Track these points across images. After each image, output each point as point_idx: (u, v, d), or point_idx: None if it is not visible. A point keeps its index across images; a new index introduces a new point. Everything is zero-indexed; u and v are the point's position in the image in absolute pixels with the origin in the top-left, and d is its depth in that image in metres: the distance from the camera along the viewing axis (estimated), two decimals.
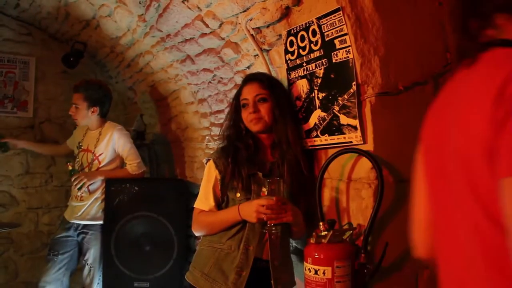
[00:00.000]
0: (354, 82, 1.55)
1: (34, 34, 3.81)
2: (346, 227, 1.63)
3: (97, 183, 2.96)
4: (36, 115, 3.83)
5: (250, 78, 1.86)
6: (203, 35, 2.31)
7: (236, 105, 1.87)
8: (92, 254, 2.98)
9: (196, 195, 2.87)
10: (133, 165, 2.98)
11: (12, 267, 3.57)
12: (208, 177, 1.85)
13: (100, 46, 3.47)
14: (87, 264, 2.99)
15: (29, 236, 3.67)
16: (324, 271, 1.48)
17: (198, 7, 2.12)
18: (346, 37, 1.57)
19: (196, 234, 1.91)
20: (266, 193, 1.63)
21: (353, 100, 1.56)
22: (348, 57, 1.58)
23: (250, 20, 1.93)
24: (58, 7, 3.14)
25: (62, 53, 3.68)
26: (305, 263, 1.54)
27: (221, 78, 2.55)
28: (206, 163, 1.92)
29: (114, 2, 2.59)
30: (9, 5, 3.51)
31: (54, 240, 3.02)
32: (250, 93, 1.80)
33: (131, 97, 4.03)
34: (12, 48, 3.73)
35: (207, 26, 2.21)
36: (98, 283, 3.01)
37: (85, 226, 2.99)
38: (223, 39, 2.24)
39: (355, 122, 1.56)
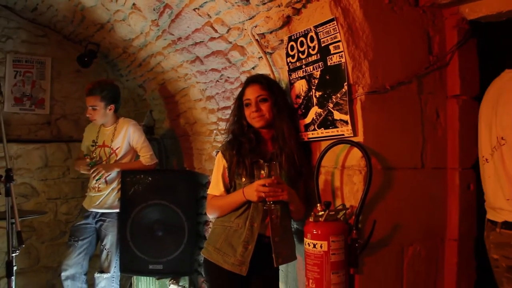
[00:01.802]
0: (346, 83, 1.79)
1: (50, 35, 4.03)
2: (340, 207, 1.87)
3: (114, 174, 3.21)
4: (52, 112, 4.07)
5: (252, 81, 2.11)
6: (212, 39, 2.52)
7: (239, 104, 2.13)
8: (110, 240, 3.22)
9: (204, 185, 3.16)
10: (146, 157, 3.23)
11: (34, 253, 3.82)
12: (217, 167, 2.13)
13: (112, 47, 3.68)
14: (105, 249, 3.23)
15: (49, 224, 3.92)
16: (321, 245, 1.72)
17: (208, 15, 2.33)
18: (340, 43, 1.80)
19: (210, 216, 2.18)
20: (264, 175, 1.89)
21: (345, 98, 1.80)
22: (341, 61, 1.81)
23: (255, 26, 2.15)
24: (74, 11, 3.34)
25: (75, 53, 3.91)
26: (305, 238, 1.79)
27: (228, 77, 2.77)
28: (215, 155, 2.21)
29: (129, 8, 2.78)
30: (27, 9, 3.74)
31: (75, 227, 3.27)
32: (252, 93, 2.06)
33: (141, 94, 4.26)
34: (29, 49, 3.96)
35: (216, 31, 2.42)
36: (115, 266, 3.25)
37: (103, 214, 3.24)
38: (230, 42, 2.45)
39: (346, 117, 1.80)
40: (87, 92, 3.21)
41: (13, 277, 2.15)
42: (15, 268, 2.19)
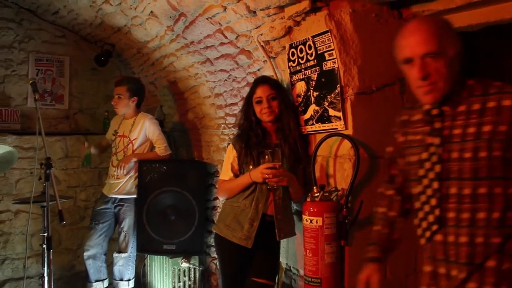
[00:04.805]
0: (338, 85, 2.11)
1: (68, 36, 4.34)
2: (333, 189, 2.18)
3: (131, 164, 3.52)
4: (70, 107, 4.40)
5: (262, 81, 2.43)
6: (222, 44, 2.80)
7: (249, 102, 2.45)
8: (127, 223, 3.54)
9: (213, 173, 3.48)
10: (161, 148, 3.55)
11: (56, 236, 4.13)
12: (228, 156, 2.48)
13: (127, 48, 3.96)
14: (123, 231, 3.55)
15: (69, 210, 4.22)
16: (317, 220, 2.05)
17: (219, 23, 2.61)
18: (333, 51, 2.10)
19: (221, 198, 2.52)
20: (267, 161, 2.22)
21: (338, 98, 2.12)
22: (334, 66, 2.12)
23: (261, 34, 2.44)
24: (94, 16, 3.61)
25: (91, 53, 4.23)
26: (303, 215, 2.12)
27: (236, 77, 3.05)
28: (227, 146, 2.55)
29: (147, 14, 3.05)
30: (48, 12, 4.03)
31: (95, 211, 3.60)
32: (263, 92, 2.38)
33: (151, 90, 4.53)
34: (49, 49, 4.27)
35: (225, 37, 2.70)
36: (132, 247, 3.57)
37: (121, 199, 3.55)
38: (238, 47, 2.73)
39: (339, 114, 2.12)
40: (116, 83, 3.61)
41: (51, 250, 2.50)
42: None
